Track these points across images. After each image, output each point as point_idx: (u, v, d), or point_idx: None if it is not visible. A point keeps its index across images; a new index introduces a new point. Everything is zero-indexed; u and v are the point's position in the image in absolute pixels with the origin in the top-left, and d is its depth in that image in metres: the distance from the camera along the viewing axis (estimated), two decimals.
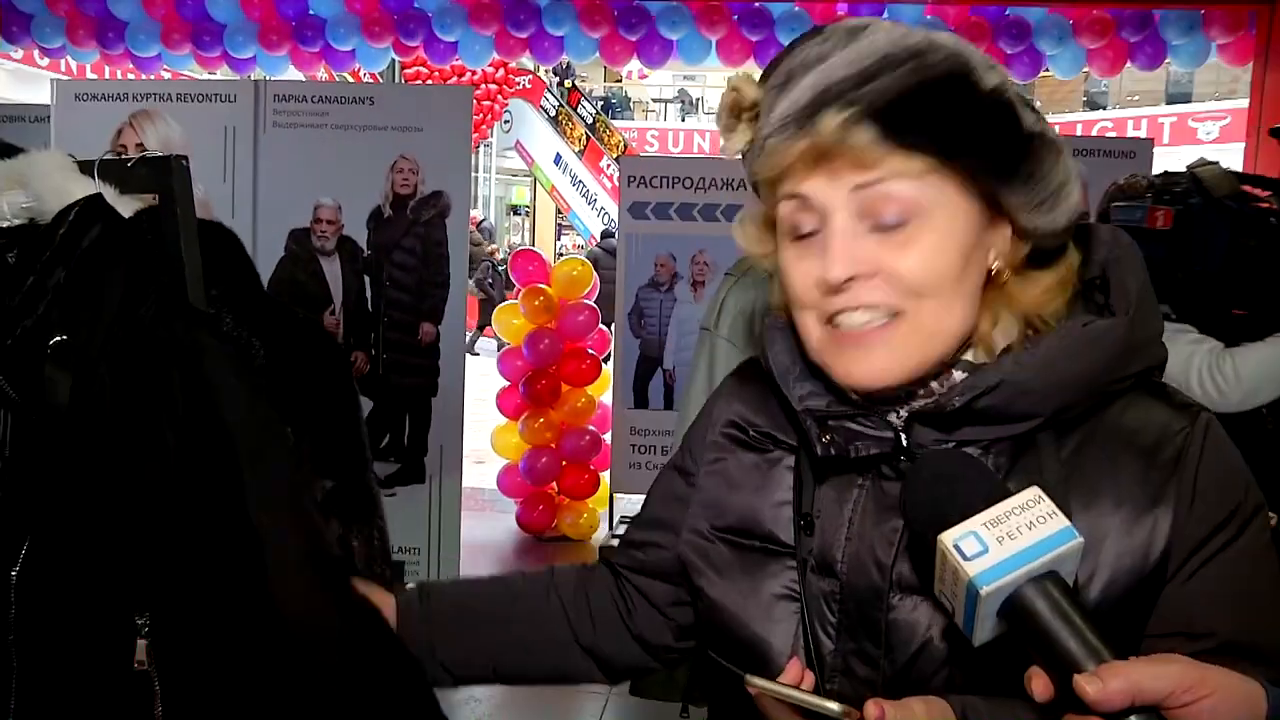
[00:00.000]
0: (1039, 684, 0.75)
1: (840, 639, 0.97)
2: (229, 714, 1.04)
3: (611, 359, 5.93)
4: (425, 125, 4.90)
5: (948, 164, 0.88)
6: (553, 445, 6.07)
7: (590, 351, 6.15)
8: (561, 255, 16.98)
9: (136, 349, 1.08)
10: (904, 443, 0.95)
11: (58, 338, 1.10)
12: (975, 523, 0.77)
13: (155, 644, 1.02)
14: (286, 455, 1.05)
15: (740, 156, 1.00)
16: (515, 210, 28.68)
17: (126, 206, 1.26)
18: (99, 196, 1.22)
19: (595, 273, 6.33)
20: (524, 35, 6.34)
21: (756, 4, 6.10)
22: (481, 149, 21.91)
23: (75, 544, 1.05)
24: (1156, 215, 2.53)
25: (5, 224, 1.26)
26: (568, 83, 19.81)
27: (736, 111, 0.97)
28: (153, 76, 6.93)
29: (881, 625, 0.94)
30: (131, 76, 7.04)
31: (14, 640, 1.12)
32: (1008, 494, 0.79)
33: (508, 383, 6.28)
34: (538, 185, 21.68)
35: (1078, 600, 0.77)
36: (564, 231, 25.18)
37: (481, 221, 19.02)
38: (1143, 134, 17.43)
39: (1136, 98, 21.97)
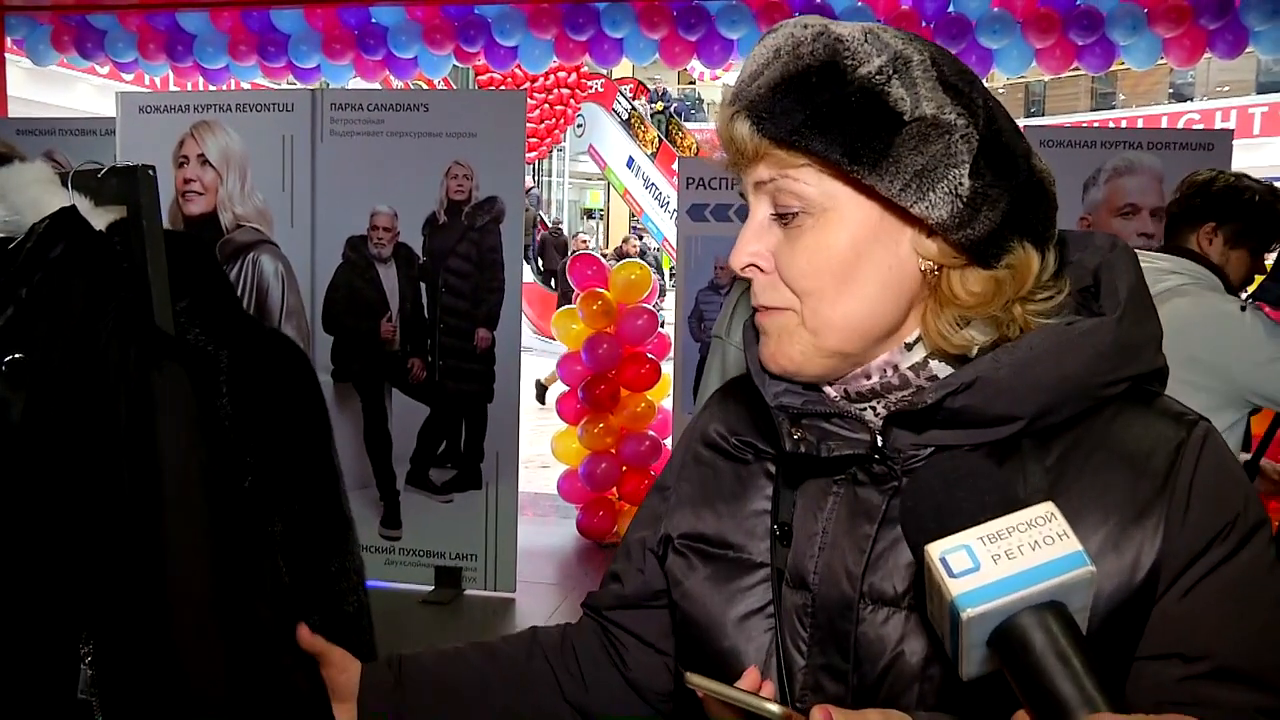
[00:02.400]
0: None
1: (811, 654, 0.92)
2: None
3: (671, 363, 5.86)
4: (479, 131, 4.89)
5: (821, 160, 0.86)
6: (613, 450, 6.02)
7: (650, 356, 6.09)
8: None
9: (89, 369, 1.04)
10: (879, 444, 0.91)
11: (12, 355, 1.07)
12: (969, 535, 0.68)
13: (99, 673, 0.98)
14: (211, 492, 1.01)
15: None
16: (590, 214, 28.81)
17: (101, 218, 1.24)
18: (71, 210, 1.19)
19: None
20: (583, 38, 6.31)
21: (818, 1, 5.98)
22: (554, 153, 22.04)
23: (22, 567, 1.02)
24: None
25: None
26: (659, 105, 19.91)
27: None
28: (222, 87, 7.06)
29: (850, 638, 0.89)
30: (212, 88, 7.18)
31: None
32: (1018, 507, 0.70)
33: (567, 388, 6.24)
34: (611, 189, 21.76)
35: (1081, 638, 0.67)
36: (639, 235, 25.22)
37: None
38: (1232, 125, 16.85)
39: (1226, 88, 21.27)
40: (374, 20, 6.59)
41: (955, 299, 0.88)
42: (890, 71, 0.85)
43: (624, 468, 6.01)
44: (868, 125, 0.84)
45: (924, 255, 0.89)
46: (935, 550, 0.69)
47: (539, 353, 12.02)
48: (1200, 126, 17.04)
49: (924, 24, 5.82)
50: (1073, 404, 0.87)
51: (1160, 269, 2.60)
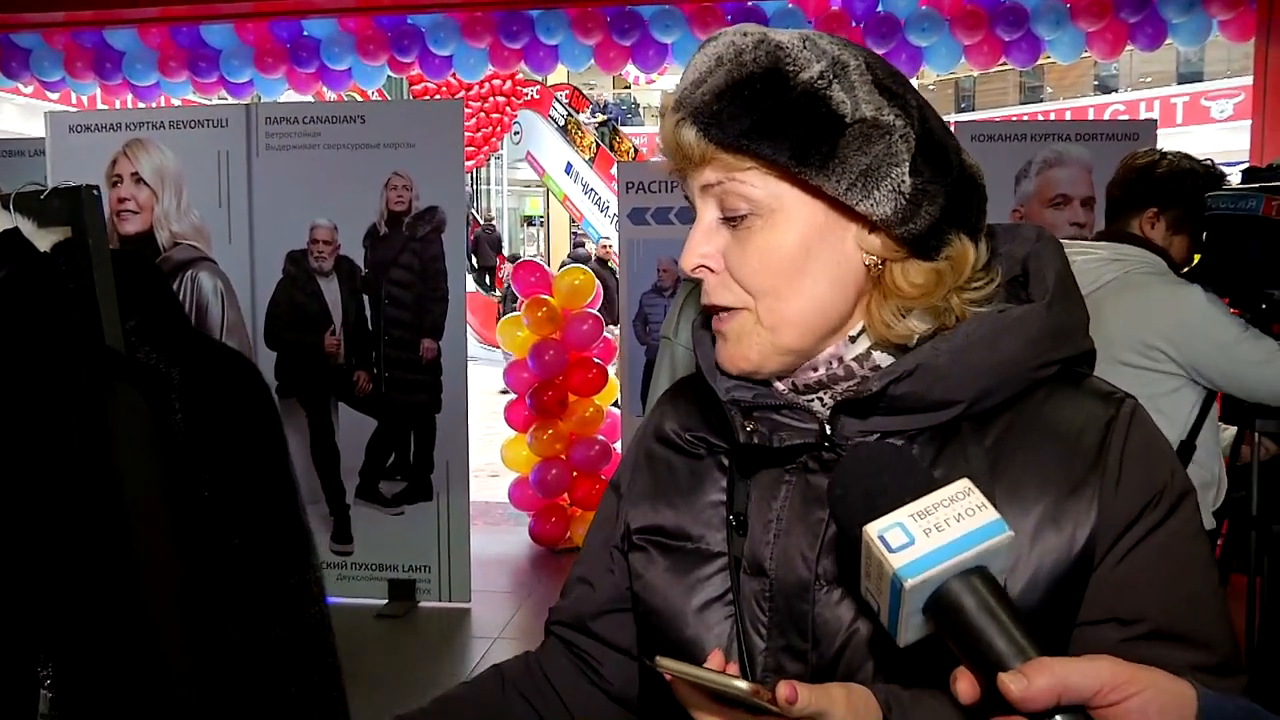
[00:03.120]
0: (964, 685, 0.71)
1: (771, 636, 0.95)
2: None
3: (617, 366, 5.88)
4: (417, 141, 4.88)
5: (768, 162, 0.89)
6: (563, 456, 6.02)
7: (596, 360, 6.10)
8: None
9: (40, 393, 1.04)
10: (828, 433, 0.94)
11: None
12: (902, 514, 0.73)
13: (58, 697, 0.98)
14: (174, 508, 1.01)
15: None
16: (530, 221, 28.74)
17: (45, 240, 1.23)
18: (14, 232, 1.19)
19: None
20: (518, 46, 6.32)
21: (750, 4, 6.04)
22: (492, 161, 21.98)
23: None
24: (1273, 204, 2.54)
25: None
26: (601, 117, 19.96)
27: None
28: (153, 105, 6.96)
29: (809, 619, 0.92)
30: (143, 106, 7.08)
31: None
32: (936, 486, 0.75)
33: (515, 395, 6.23)
34: (550, 196, 21.72)
35: (1005, 596, 0.73)
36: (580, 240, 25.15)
37: None
38: (1155, 115, 17.27)
39: (1148, 79, 21.81)
40: (306, 33, 6.54)
41: (899, 291, 0.92)
42: (830, 76, 0.88)
43: (575, 473, 6.02)
44: (813, 128, 0.87)
45: (868, 250, 0.92)
46: (874, 529, 0.73)
47: (484, 361, 11.99)
48: (1125, 117, 17.45)
49: (854, 24, 5.91)
50: (1008, 387, 0.91)
51: (1100, 259, 2.62)
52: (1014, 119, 17.13)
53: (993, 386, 0.90)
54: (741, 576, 0.97)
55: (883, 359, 0.95)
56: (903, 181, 0.88)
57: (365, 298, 5.01)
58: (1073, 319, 0.95)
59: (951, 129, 0.96)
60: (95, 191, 1.17)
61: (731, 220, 0.93)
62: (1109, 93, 22.44)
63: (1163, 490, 0.89)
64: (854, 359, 0.95)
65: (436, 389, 5.00)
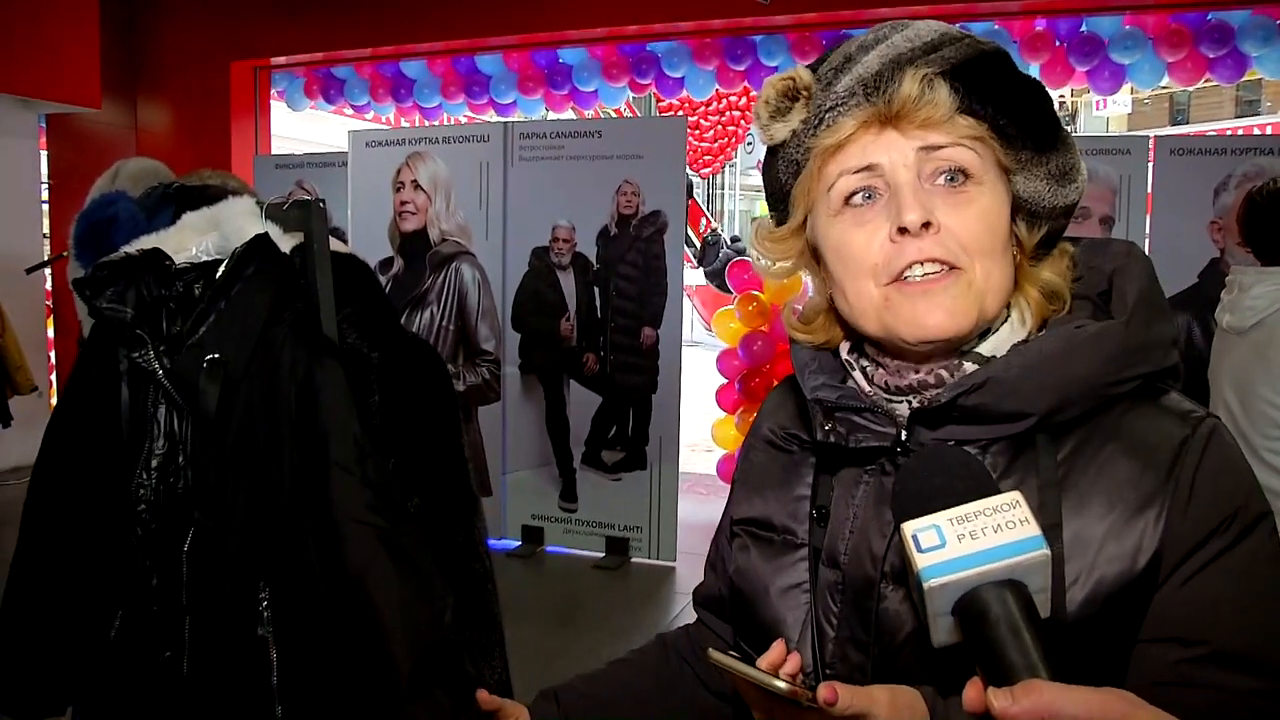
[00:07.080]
0: (972, 693, 0.66)
1: (839, 627, 0.90)
2: (332, 684, 1.07)
3: None
4: (645, 153, 4.96)
5: (995, 136, 0.84)
6: None
7: None
8: None
9: (268, 366, 1.14)
10: (904, 438, 0.88)
11: (212, 355, 1.17)
12: (940, 517, 0.69)
13: (274, 615, 1.07)
14: (364, 464, 1.08)
15: (763, 158, 0.96)
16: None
17: (288, 243, 1.33)
18: (264, 236, 1.29)
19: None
20: (742, 68, 6.31)
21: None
22: (727, 169, 22.02)
23: (221, 527, 1.12)
24: None
25: (203, 259, 1.36)
26: None
27: (792, 94, 0.89)
28: (436, 122, 7.38)
29: (873, 614, 0.88)
30: (427, 124, 7.53)
31: (186, 604, 1.21)
32: (991, 494, 0.70)
33: (726, 380, 6.24)
34: None
35: (1034, 615, 0.67)
36: None
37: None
38: None
39: None
40: (561, 60, 6.76)
41: (1037, 280, 0.89)
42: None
43: None
44: (1044, 112, 0.86)
45: (1019, 244, 0.89)
46: (909, 528, 0.70)
47: (709, 346, 12.03)
48: None
49: (1057, 43, 5.54)
50: (1082, 402, 0.83)
51: None
52: (1228, 133, 15.59)
53: (1066, 401, 0.82)
54: (820, 567, 0.93)
55: (970, 367, 0.88)
56: (1084, 179, 0.88)
57: (596, 289, 5.14)
58: (1153, 335, 0.85)
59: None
60: (321, 204, 1.26)
61: (954, 181, 0.84)
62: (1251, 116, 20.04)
63: (1235, 514, 0.79)
64: (946, 366, 0.88)
65: (654, 372, 5.08)
